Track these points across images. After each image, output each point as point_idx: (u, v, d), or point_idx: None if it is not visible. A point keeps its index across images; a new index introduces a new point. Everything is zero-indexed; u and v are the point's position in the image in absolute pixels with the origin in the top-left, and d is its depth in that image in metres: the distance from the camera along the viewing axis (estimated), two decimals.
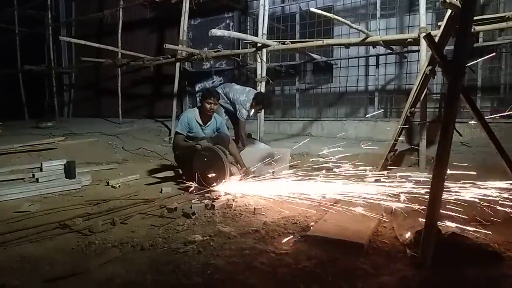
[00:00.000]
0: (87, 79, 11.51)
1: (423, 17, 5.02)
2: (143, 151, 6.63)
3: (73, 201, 3.76)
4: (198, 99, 8.96)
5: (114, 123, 9.10)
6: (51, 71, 10.77)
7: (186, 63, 8.71)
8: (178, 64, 7.86)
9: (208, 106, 4.36)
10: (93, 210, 3.38)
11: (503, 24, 4.76)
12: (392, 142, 4.30)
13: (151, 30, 9.99)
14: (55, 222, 2.99)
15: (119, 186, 4.41)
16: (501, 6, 6.05)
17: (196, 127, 4.48)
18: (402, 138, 6.24)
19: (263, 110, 6.31)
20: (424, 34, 4.93)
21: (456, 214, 2.67)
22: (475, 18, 4.96)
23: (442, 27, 3.85)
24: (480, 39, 5.95)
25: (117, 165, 5.69)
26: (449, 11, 3.80)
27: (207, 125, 4.54)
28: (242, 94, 5.71)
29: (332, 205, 3.25)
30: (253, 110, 5.90)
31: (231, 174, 3.86)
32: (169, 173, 4.86)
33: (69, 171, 4.41)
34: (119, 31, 8.97)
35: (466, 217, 2.71)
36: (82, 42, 8.21)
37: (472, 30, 4.81)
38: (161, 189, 4.07)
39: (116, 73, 9.21)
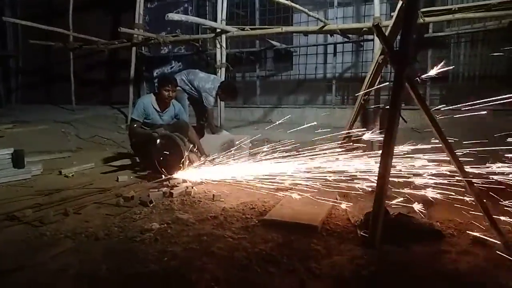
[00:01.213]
0: (37, 63, 10.81)
1: (377, 7, 5.21)
2: (98, 138, 6.41)
3: (23, 192, 3.58)
4: (155, 85, 8.73)
5: (67, 109, 8.68)
6: None
7: (143, 47, 8.44)
8: (134, 48, 7.61)
9: (166, 93, 4.26)
10: (44, 201, 3.24)
11: (449, 16, 5.02)
12: (347, 126, 4.45)
13: (106, 12, 9.53)
14: (2, 214, 2.84)
15: (73, 175, 4.24)
16: (449, 0, 6.36)
17: (153, 114, 4.37)
18: (358, 124, 6.52)
19: (220, 68, 6.14)
20: (378, 23, 5.13)
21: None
22: (425, 9, 5.22)
23: (393, 18, 4.02)
24: (430, 30, 6.25)
25: (70, 153, 5.46)
26: (400, 3, 3.97)
27: (164, 111, 4.45)
28: (208, 82, 5.60)
29: (288, 189, 3.34)
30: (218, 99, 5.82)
31: (190, 162, 3.84)
32: (126, 161, 4.75)
33: (18, 160, 4.16)
34: (70, 12, 8.48)
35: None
36: (29, 23, 7.67)
37: (422, 21, 5.06)
38: (117, 178, 3.97)
39: (68, 57, 8.74)
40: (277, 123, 5.48)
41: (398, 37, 3.57)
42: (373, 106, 5.21)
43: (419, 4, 5.88)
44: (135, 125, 4.31)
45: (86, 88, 9.61)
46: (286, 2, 5.08)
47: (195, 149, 4.38)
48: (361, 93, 4.44)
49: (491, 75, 6.13)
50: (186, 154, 3.83)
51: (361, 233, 2.35)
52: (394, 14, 4.32)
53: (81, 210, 2.97)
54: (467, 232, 2.45)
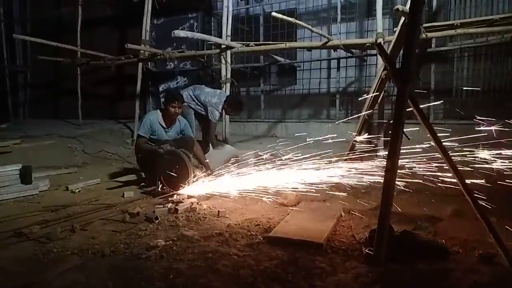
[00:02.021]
0: (45, 79, 10.99)
1: (380, 22, 5.27)
2: (104, 153, 6.47)
3: (30, 208, 3.62)
4: (162, 100, 8.83)
5: (73, 124, 8.78)
6: (4, 70, 10.21)
7: (149, 63, 8.56)
8: (140, 64, 7.72)
9: (172, 110, 4.33)
10: (51, 217, 3.28)
11: (452, 32, 5.07)
12: (352, 141, 4.48)
13: (112, 28, 9.71)
14: (10, 231, 2.87)
15: (79, 191, 4.29)
16: (451, 14, 6.43)
17: (159, 130, 4.43)
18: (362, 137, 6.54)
19: (225, 83, 6.20)
20: (381, 39, 5.20)
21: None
22: (427, 25, 5.28)
23: (396, 33, 4.08)
24: (433, 44, 6.30)
25: (77, 169, 5.52)
26: (403, 18, 4.03)
27: (170, 127, 4.51)
28: (214, 97, 5.67)
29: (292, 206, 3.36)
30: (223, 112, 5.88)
31: (195, 177, 3.86)
32: (132, 177, 4.79)
33: (25, 176, 4.22)
34: (78, 29, 8.66)
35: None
36: (38, 40, 7.83)
37: (425, 36, 5.11)
38: (123, 194, 4.01)
39: (75, 72, 8.89)
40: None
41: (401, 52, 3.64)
42: (377, 121, 5.26)
43: (421, 20, 5.96)
44: (141, 141, 4.36)
45: (93, 103, 9.73)
46: (290, 19, 5.16)
47: (200, 165, 4.42)
48: (365, 108, 4.48)
49: (494, 89, 6.15)
50: (191, 169, 3.85)
51: (366, 250, 2.35)
52: (397, 29, 4.39)
53: (88, 227, 3.00)
54: (473, 249, 2.44)
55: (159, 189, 3.92)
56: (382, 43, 5.20)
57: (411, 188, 3.92)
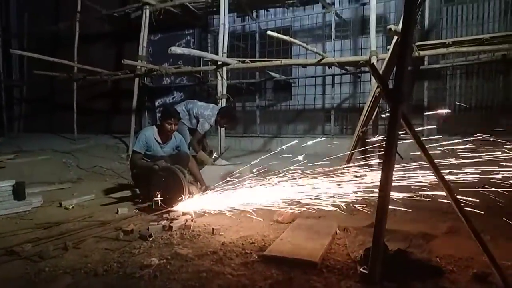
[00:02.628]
0: (40, 93, 11.01)
1: (374, 41, 5.36)
2: (99, 169, 6.44)
3: (22, 225, 3.58)
4: (158, 115, 8.86)
5: (68, 139, 8.76)
6: (0, 84, 10.22)
7: (145, 78, 8.62)
8: (137, 79, 7.76)
9: (168, 126, 4.34)
10: (44, 234, 3.24)
11: (443, 50, 5.17)
12: (346, 158, 4.50)
13: (109, 44, 9.80)
14: (1, 249, 2.84)
15: (73, 207, 4.25)
16: (443, 33, 6.57)
17: (155, 146, 4.43)
18: (357, 154, 6.57)
19: (221, 99, 6.23)
20: (375, 57, 5.29)
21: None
22: (420, 43, 5.38)
23: (389, 53, 4.15)
24: (426, 62, 6.41)
25: (71, 184, 5.48)
26: (396, 38, 4.11)
27: (166, 143, 4.51)
28: (207, 109, 5.71)
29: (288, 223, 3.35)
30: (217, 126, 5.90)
31: (190, 194, 3.85)
32: (126, 193, 4.76)
33: (18, 192, 4.18)
34: (75, 44, 8.73)
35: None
36: (35, 55, 7.87)
37: (417, 54, 5.20)
38: (117, 210, 3.98)
39: (71, 87, 8.91)
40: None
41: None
42: (372, 138, 5.29)
43: (414, 38, 6.07)
44: (136, 157, 4.35)
45: (89, 118, 9.73)
46: (285, 37, 5.24)
47: (195, 181, 4.41)
48: (359, 124, 4.52)
49: (487, 105, 6.24)
50: (186, 186, 3.84)
51: (361, 269, 2.34)
52: (390, 49, 4.47)
53: (81, 244, 2.96)
54: (467, 268, 2.44)
55: (154, 205, 3.89)
56: (375, 60, 5.30)
57: (406, 204, 3.94)
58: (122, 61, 6.55)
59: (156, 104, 9.17)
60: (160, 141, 4.44)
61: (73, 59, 8.60)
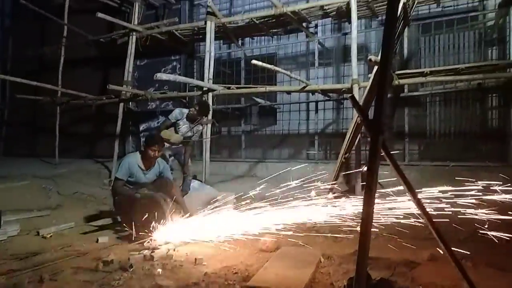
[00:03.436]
0: (22, 116, 10.84)
1: (355, 69, 5.52)
2: (80, 195, 6.28)
3: None
4: (142, 139, 8.80)
5: (49, 163, 8.58)
6: None
7: (130, 103, 8.61)
8: (122, 104, 7.74)
9: (152, 153, 4.29)
10: (19, 266, 3.11)
11: (422, 79, 5.36)
12: (331, 183, 4.53)
13: (95, 68, 9.80)
14: None
15: (51, 236, 4.12)
16: (422, 62, 6.82)
17: (138, 172, 4.36)
18: (341, 179, 6.64)
19: (206, 124, 6.16)
20: (356, 85, 5.44)
21: None
22: (399, 72, 5.57)
23: (370, 81, 4.28)
24: (406, 89, 6.61)
25: (50, 211, 5.31)
26: (376, 67, 4.26)
27: (149, 170, 4.44)
28: (177, 110, 5.76)
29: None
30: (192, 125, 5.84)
31: (172, 222, 3.78)
32: (107, 221, 4.65)
33: None
34: (60, 68, 8.71)
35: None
36: (18, 80, 7.79)
37: (397, 82, 5.37)
38: (97, 239, 3.87)
39: (54, 111, 8.81)
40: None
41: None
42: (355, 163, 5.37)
43: (394, 67, 6.29)
44: (118, 184, 4.27)
45: (71, 142, 9.60)
46: (269, 66, 5.36)
47: (178, 208, 4.35)
48: (342, 151, 4.59)
49: (465, 131, 6.43)
50: (168, 215, 3.78)
51: None
52: (371, 77, 4.61)
53: (57, 276, 2.85)
54: None
55: (135, 234, 3.81)
56: (357, 88, 5.44)
57: (389, 231, 3.96)
58: (107, 86, 6.54)
59: (141, 128, 9.13)
60: (143, 168, 4.38)
61: (57, 83, 8.56)
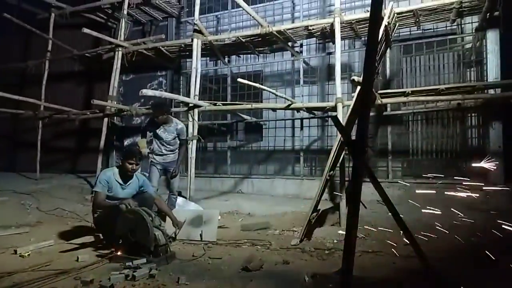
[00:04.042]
0: (3, 130, 10.61)
1: (339, 88, 5.62)
2: (60, 211, 6.13)
3: None
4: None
5: (30, 178, 8.38)
6: None
7: (115, 117, 8.53)
8: (106, 119, 7.67)
9: (129, 166, 4.24)
10: None
11: (404, 99, 5.49)
12: (314, 203, 4.55)
13: (79, 82, 9.73)
14: None
15: (29, 254, 3.99)
16: (404, 81, 7.00)
17: (116, 187, 4.29)
18: (326, 195, 6.67)
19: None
20: (340, 103, 5.54)
21: None
22: (382, 91, 5.70)
23: (353, 100, 4.37)
24: (388, 108, 6.76)
25: (29, 228, 5.17)
26: (359, 88, 4.36)
27: (128, 184, 4.38)
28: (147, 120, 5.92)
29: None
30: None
31: (156, 241, 3.70)
32: (88, 238, 4.54)
33: None
34: (44, 82, 8.60)
35: None
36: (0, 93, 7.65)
37: (380, 102, 5.49)
38: (78, 257, 3.77)
39: (36, 125, 8.66)
40: None
41: None
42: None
43: (377, 87, 6.45)
44: (100, 197, 4.19)
45: (53, 156, 9.42)
46: (255, 84, 5.44)
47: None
48: (326, 169, 4.63)
49: (446, 149, 6.58)
50: (152, 231, 3.71)
51: None
52: (354, 96, 4.71)
53: None
54: None
55: (117, 252, 3.73)
56: (341, 107, 5.54)
57: (374, 249, 4.00)
58: (92, 101, 6.49)
59: (125, 143, 9.04)
60: (121, 182, 4.32)
61: (41, 97, 8.44)
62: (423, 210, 4.98)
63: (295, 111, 7.32)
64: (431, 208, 5.56)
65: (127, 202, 3.97)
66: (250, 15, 6.15)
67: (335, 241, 4.37)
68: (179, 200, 5.87)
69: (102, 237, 4.38)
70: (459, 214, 4.94)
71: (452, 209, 5.49)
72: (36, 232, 5.03)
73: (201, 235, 4.48)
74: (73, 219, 5.86)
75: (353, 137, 2.29)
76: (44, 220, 5.74)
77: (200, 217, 4.67)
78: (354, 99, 4.56)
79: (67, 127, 9.39)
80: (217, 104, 6.65)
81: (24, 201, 6.35)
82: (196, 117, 6.60)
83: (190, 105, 6.56)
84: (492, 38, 6.08)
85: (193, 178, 6.53)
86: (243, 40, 6.86)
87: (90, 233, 4.75)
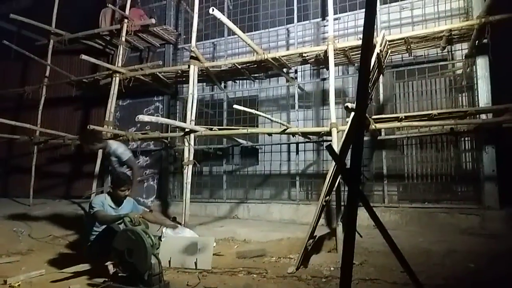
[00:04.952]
0: None
1: (333, 114, 5.69)
2: (53, 238, 6.04)
3: None
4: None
5: (23, 204, 8.27)
6: None
7: None
8: None
9: (121, 193, 4.42)
10: None
11: (398, 124, 5.56)
12: (310, 229, 4.52)
13: (76, 108, 9.77)
14: None
15: (19, 284, 3.90)
16: (397, 106, 7.10)
17: (110, 211, 4.40)
18: (322, 220, 6.63)
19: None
20: (335, 128, 5.59)
21: None
22: (376, 117, 5.77)
23: (346, 129, 4.42)
24: (383, 133, 6.82)
25: (20, 257, 5.07)
26: (353, 113, 4.41)
27: (120, 207, 4.49)
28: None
29: None
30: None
31: (151, 269, 3.62)
32: (81, 267, 4.44)
33: None
34: (40, 107, 8.64)
35: None
36: None
37: (374, 127, 5.56)
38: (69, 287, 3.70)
39: (31, 149, 8.62)
40: None
41: None
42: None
43: (371, 112, 6.53)
44: (101, 213, 4.25)
45: (47, 181, 9.34)
46: (250, 110, 5.49)
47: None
48: (322, 194, 4.63)
49: (441, 173, 6.60)
50: (150, 258, 3.63)
51: None
52: (348, 122, 4.76)
53: None
54: None
55: (110, 280, 3.66)
56: (336, 132, 5.59)
57: (371, 277, 3.95)
58: (88, 127, 6.50)
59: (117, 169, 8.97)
60: (113, 206, 4.43)
61: (37, 122, 8.46)
62: (419, 237, 4.96)
63: (291, 136, 7.38)
64: (428, 233, 5.55)
65: (132, 216, 3.91)
66: (246, 43, 6.28)
67: (332, 268, 4.32)
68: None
69: (95, 266, 4.30)
70: (455, 240, 4.93)
71: (448, 234, 5.49)
72: (28, 260, 4.94)
73: (195, 263, 4.41)
74: (66, 247, 5.75)
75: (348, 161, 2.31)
76: (36, 247, 5.64)
77: (195, 245, 4.61)
78: (348, 124, 4.61)
79: (62, 152, 9.36)
80: (213, 129, 6.69)
81: (16, 228, 6.25)
82: (192, 142, 6.61)
83: (186, 130, 6.59)
84: (482, 64, 6.22)
85: (188, 204, 6.48)
86: (239, 66, 6.98)
87: (82, 261, 4.66)
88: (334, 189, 5.08)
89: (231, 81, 8.39)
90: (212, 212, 7.84)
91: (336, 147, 5.52)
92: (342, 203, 5.43)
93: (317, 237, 5.13)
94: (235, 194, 8.11)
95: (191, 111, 6.71)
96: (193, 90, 6.75)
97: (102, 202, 4.38)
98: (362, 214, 2.41)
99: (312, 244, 4.80)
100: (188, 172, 6.47)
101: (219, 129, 6.74)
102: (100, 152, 7.60)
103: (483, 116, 5.90)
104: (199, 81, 7.38)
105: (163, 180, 8.63)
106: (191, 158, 6.59)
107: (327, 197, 4.75)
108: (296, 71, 7.85)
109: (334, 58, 5.93)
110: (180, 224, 6.15)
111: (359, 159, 2.35)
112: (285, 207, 7.37)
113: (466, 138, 6.58)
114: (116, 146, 5.81)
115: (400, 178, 6.82)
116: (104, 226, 4.33)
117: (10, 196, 9.34)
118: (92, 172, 7.67)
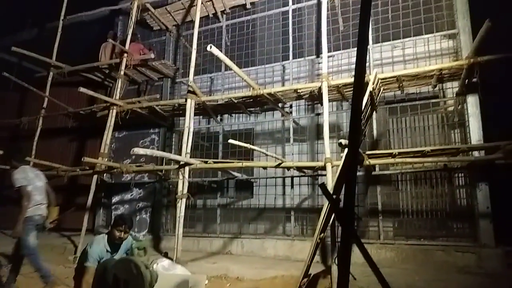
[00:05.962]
0: None
1: (328, 149, 5.74)
2: None
3: None
4: (113, 213, 8.51)
5: (9, 236, 8.04)
6: None
7: (105, 174, 8.48)
8: (96, 176, 7.62)
9: (117, 234, 4.22)
10: None
11: (391, 160, 5.60)
12: (305, 268, 4.43)
13: (71, 139, 9.78)
14: None
15: None
16: (391, 142, 7.17)
17: (106, 256, 4.23)
18: (317, 257, 6.51)
19: None
20: (329, 163, 5.61)
21: None
22: (370, 152, 5.82)
23: (340, 165, 4.44)
24: (377, 168, 6.84)
25: None
26: (346, 150, 4.45)
27: (116, 252, 4.31)
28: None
29: None
30: None
31: None
32: None
33: None
34: (36, 138, 8.64)
35: None
36: None
37: (368, 163, 5.59)
38: None
39: None
40: None
41: None
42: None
43: (365, 148, 6.58)
44: (89, 273, 4.04)
45: None
46: (245, 145, 5.53)
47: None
48: (317, 232, 4.57)
49: (436, 209, 6.58)
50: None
51: None
52: (342, 157, 4.79)
53: None
54: None
55: None
56: (330, 166, 5.61)
57: None
58: (82, 159, 6.49)
59: (113, 200, 8.87)
60: (110, 250, 4.25)
61: (31, 153, 8.43)
62: (416, 276, 4.87)
63: (286, 169, 7.38)
64: (424, 271, 5.45)
65: (142, 245, 4.02)
66: (242, 78, 6.41)
67: None
68: (165, 262, 5.66)
69: None
70: (452, 279, 4.83)
71: (444, 272, 5.39)
72: None
73: None
74: (52, 284, 5.55)
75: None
76: (21, 284, 5.44)
77: (186, 283, 4.49)
78: (342, 160, 4.64)
79: (55, 183, 9.21)
80: (208, 162, 6.69)
81: (0, 261, 6.05)
82: (186, 175, 6.59)
83: (181, 163, 6.59)
84: (473, 102, 6.36)
85: (180, 238, 6.37)
86: (235, 101, 7.09)
87: None
88: (329, 225, 5.03)
89: (227, 115, 8.49)
90: (205, 247, 7.68)
91: (330, 182, 5.52)
92: (337, 240, 5.36)
93: (311, 275, 5.02)
94: (229, 228, 7.98)
95: (187, 144, 6.74)
96: (190, 124, 6.81)
97: (100, 250, 4.18)
98: (357, 251, 2.38)
99: (307, 283, 4.68)
100: (181, 206, 6.41)
101: (214, 162, 6.76)
102: (93, 184, 7.55)
103: (476, 153, 5.97)
104: (195, 114, 7.47)
105: (156, 214, 8.52)
106: (185, 191, 6.55)
107: (322, 234, 4.69)
108: (291, 106, 7.98)
109: (328, 94, 6.06)
110: (172, 260, 6.02)
111: (352, 201, 2.34)
112: (279, 242, 7.24)
113: (460, 175, 6.61)
114: (17, 171, 5.37)
115: (395, 214, 6.77)
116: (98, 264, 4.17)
117: (0, 228, 9.11)
118: (84, 204, 7.56)
